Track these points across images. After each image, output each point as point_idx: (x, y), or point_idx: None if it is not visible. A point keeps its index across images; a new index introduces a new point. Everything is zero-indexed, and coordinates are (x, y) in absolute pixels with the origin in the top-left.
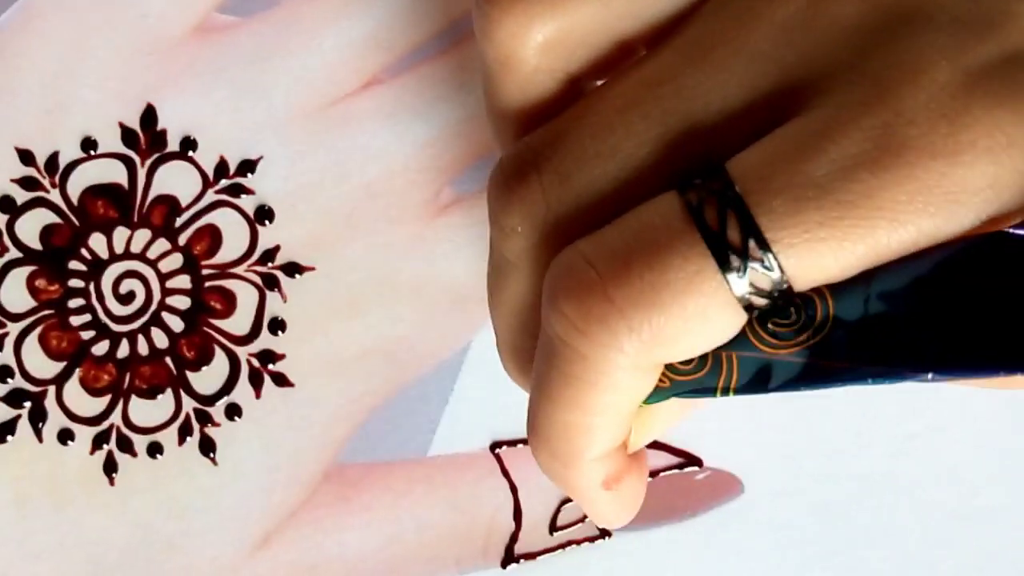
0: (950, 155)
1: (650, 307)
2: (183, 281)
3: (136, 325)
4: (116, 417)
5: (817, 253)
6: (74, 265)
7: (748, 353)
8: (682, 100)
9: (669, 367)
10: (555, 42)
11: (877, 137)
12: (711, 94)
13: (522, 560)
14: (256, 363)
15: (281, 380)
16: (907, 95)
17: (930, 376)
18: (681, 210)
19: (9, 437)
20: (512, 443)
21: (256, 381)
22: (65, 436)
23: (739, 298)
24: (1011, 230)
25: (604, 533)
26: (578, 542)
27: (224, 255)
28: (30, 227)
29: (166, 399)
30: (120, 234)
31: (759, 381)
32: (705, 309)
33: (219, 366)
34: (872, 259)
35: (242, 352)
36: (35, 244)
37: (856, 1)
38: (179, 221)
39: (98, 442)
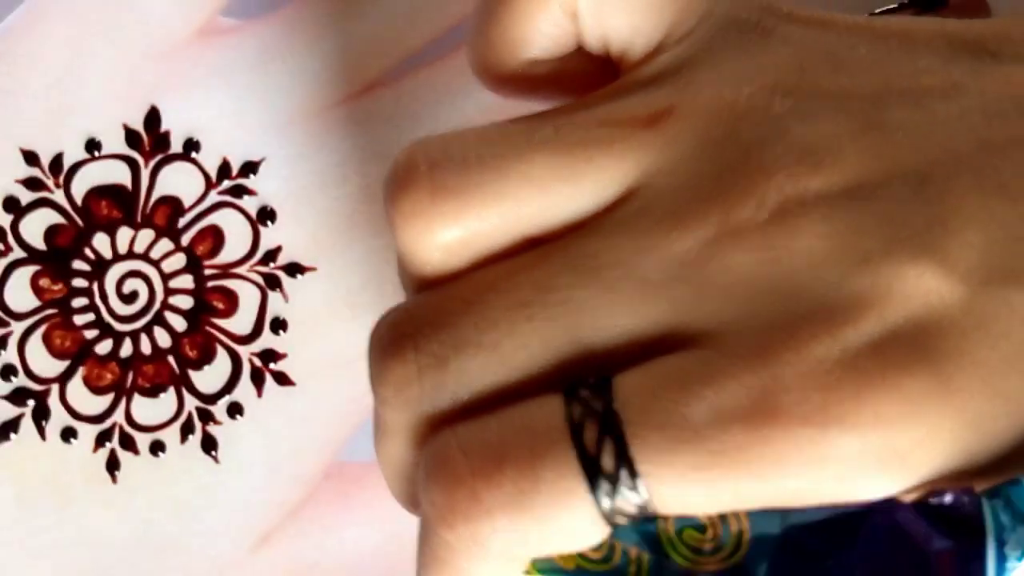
0: (819, 425)
1: (517, 513)
2: (186, 281)
3: (139, 324)
4: (119, 415)
5: (684, 491)
6: (78, 265)
7: (669, 566)
8: (568, 313)
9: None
10: (458, 244)
11: (755, 396)
12: (598, 312)
13: None
14: (258, 362)
15: (282, 379)
16: (787, 362)
17: None
18: (562, 422)
19: (13, 435)
20: None
21: (258, 380)
22: (68, 434)
23: (604, 515)
24: (868, 506)
25: None
26: None
27: (226, 255)
28: (34, 227)
29: (168, 398)
30: (124, 234)
31: None
32: (570, 523)
33: (221, 365)
34: (739, 505)
35: (244, 351)
36: (39, 244)
37: (753, 252)
38: (182, 222)
39: (101, 440)
